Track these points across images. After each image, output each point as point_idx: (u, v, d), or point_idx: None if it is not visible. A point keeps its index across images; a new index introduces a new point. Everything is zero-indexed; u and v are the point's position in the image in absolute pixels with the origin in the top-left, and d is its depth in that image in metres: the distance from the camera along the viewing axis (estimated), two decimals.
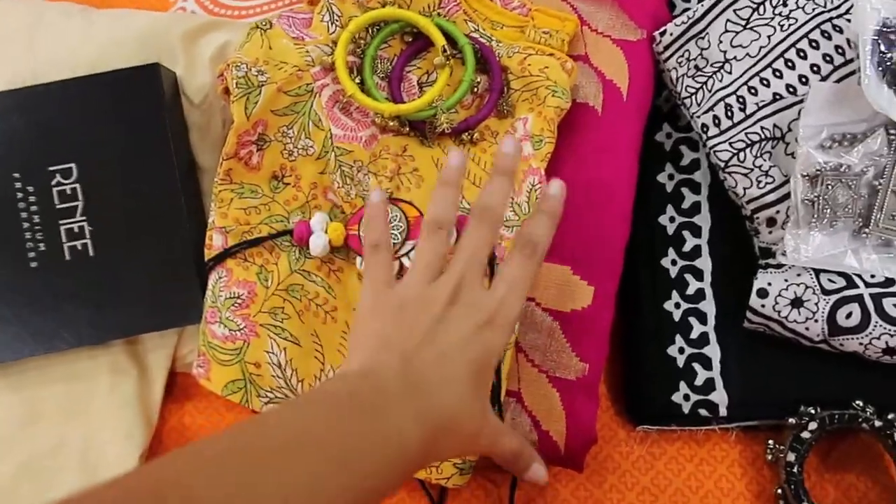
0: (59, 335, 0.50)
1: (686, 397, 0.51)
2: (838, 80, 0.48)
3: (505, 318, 0.37)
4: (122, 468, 0.50)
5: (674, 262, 0.54)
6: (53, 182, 0.50)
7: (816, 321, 0.48)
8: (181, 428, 0.55)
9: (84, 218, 0.51)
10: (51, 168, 0.50)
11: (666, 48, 0.53)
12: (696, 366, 0.51)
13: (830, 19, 0.48)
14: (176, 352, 0.52)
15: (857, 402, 0.49)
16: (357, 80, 0.50)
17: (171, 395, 0.55)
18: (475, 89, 0.51)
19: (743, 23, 0.51)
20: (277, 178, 0.50)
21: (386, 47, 0.52)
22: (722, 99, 0.51)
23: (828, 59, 0.48)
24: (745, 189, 0.50)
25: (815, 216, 0.48)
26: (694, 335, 0.52)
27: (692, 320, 0.52)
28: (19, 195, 0.50)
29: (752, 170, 0.50)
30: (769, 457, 0.50)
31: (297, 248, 0.49)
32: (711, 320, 0.52)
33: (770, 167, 0.50)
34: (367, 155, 0.50)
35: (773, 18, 0.50)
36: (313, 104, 0.50)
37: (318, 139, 0.50)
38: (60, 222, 0.50)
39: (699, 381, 0.51)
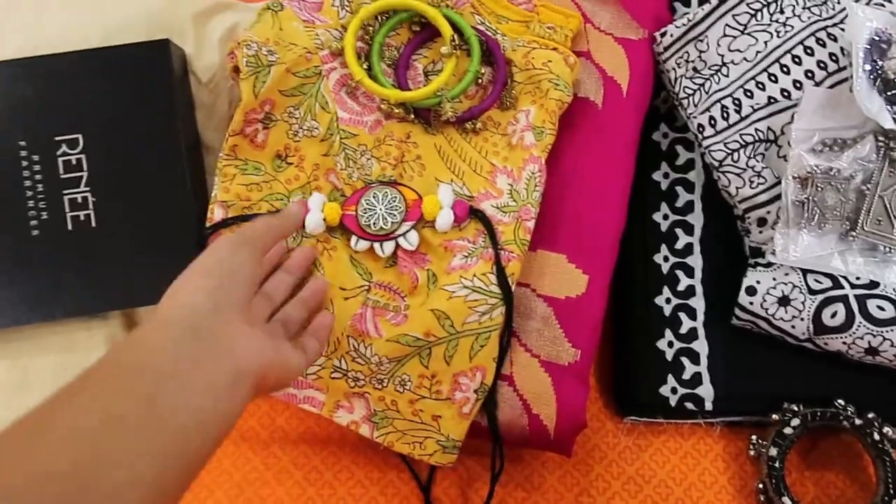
0: (56, 303, 0.50)
1: (673, 390, 0.52)
2: (831, 86, 0.50)
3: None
4: None
5: (666, 259, 0.55)
6: (59, 152, 0.51)
7: (802, 320, 0.49)
8: None
9: (88, 189, 0.51)
10: (57, 138, 0.51)
11: (666, 49, 0.55)
12: (685, 360, 0.52)
13: (825, 27, 0.50)
14: None
15: (839, 400, 0.50)
16: (365, 66, 0.51)
17: None
18: (480, 80, 0.52)
19: (741, 28, 0.53)
20: (281, 157, 0.51)
21: (394, 35, 0.53)
22: (718, 101, 0.52)
23: (822, 65, 0.50)
24: (737, 189, 0.52)
25: (805, 217, 0.50)
26: (683, 330, 0.53)
27: (682, 315, 0.53)
28: (24, 163, 0.51)
29: (745, 170, 0.51)
30: (752, 452, 0.51)
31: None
32: (701, 316, 0.53)
33: (763, 168, 0.51)
34: (372, 139, 0.51)
35: (770, 25, 0.52)
36: (321, 87, 0.51)
37: (323, 121, 0.51)
38: (64, 192, 0.51)
39: (687, 375, 0.52)
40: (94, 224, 0.51)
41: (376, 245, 0.49)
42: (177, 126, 0.51)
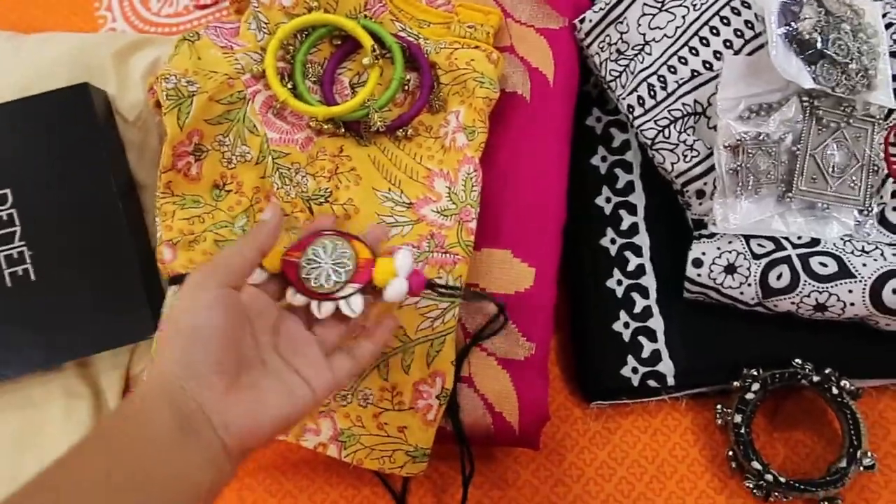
0: (6, 362, 0.50)
1: (634, 370, 0.52)
2: (750, 53, 0.50)
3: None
4: None
5: (613, 241, 0.55)
6: None
7: (750, 285, 0.50)
8: None
9: (23, 243, 0.50)
10: None
11: (587, 34, 0.55)
12: (642, 339, 0.53)
13: None
14: (129, 371, 0.52)
15: (797, 360, 0.51)
16: (289, 86, 0.51)
17: None
18: (406, 87, 0.52)
19: (658, 5, 0.53)
20: (219, 187, 0.51)
21: (316, 51, 0.53)
22: (644, 79, 0.53)
23: (739, 33, 0.51)
24: (672, 164, 0.52)
25: (740, 185, 0.50)
26: (637, 309, 0.53)
27: (634, 295, 0.54)
28: None
29: (677, 145, 0.52)
30: (719, 421, 0.52)
31: None
32: (653, 294, 0.54)
33: (694, 141, 0.52)
34: (304, 157, 0.51)
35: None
36: (247, 111, 0.50)
37: (254, 145, 0.50)
38: None
39: (646, 354, 0.52)
40: (33, 277, 0.50)
41: (313, 304, 0.41)
42: (107, 169, 0.50)
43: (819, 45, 0.48)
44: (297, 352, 0.39)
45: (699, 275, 0.51)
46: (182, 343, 0.34)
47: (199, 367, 0.33)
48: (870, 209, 0.52)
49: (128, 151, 0.53)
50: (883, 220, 0.52)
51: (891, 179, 0.52)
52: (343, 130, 0.51)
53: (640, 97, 0.53)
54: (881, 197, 0.52)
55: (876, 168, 0.52)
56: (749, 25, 0.51)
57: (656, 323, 0.53)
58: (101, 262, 0.50)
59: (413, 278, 0.41)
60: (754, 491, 0.50)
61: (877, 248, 0.50)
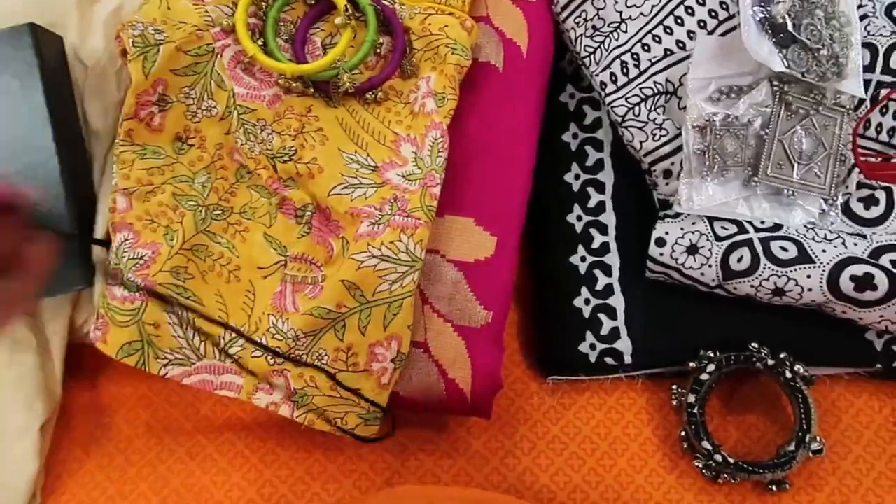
0: None
1: (592, 346, 0.52)
2: (723, 34, 0.50)
3: None
4: (24, 439, 0.49)
5: (579, 218, 0.55)
6: None
7: (711, 266, 0.50)
8: (93, 401, 0.54)
9: None
10: None
11: (563, 8, 0.55)
12: (602, 316, 0.53)
13: None
14: (73, 321, 0.51)
15: (753, 344, 0.51)
16: (260, 42, 0.50)
17: (80, 369, 0.54)
18: (378, 50, 0.52)
19: None
20: (181, 140, 0.50)
21: (289, 10, 0.52)
22: (618, 56, 0.53)
23: (713, 14, 0.51)
24: (641, 143, 0.52)
25: (707, 165, 0.50)
26: (599, 287, 0.53)
27: (597, 273, 0.54)
28: None
29: (646, 123, 0.52)
30: (674, 402, 0.52)
31: (202, 208, 0.49)
32: (616, 272, 0.54)
33: (664, 120, 0.52)
34: (271, 114, 0.50)
35: None
36: (215, 64, 0.50)
37: (221, 100, 0.50)
38: None
39: (604, 331, 0.52)
40: None
41: None
42: (44, 116, 0.48)
43: (790, 28, 0.48)
44: None
45: (661, 254, 0.51)
46: None
47: None
48: (835, 198, 0.52)
49: (86, 98, 0.52)
50: (847, 211, 0.52)
51: (857, 170, 0.52)
52: (312, 90, 0.51)
53: (612, 74, 0.53)
54: (847, 187, 0.52)
55: (843, 158, 0.52)
56: (724, 6, 0.51)
57: (617, 301, 0.53)
58: (36, 211, 0.48)
59: None
60: (703, 471, 0.50)
61: (839, 236, 0.50)
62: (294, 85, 0.50)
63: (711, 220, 0.51)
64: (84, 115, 0.52)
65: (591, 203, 0.55)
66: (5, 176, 0.48)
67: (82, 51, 0.51)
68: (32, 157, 0.48)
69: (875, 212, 0.51)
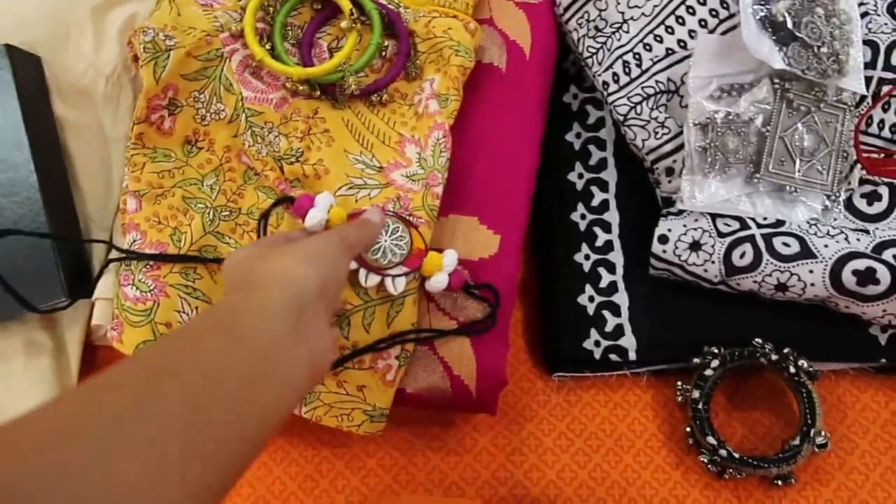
0: None
1: (597, 343, 0.52)
2: (724, 33, 0.51)
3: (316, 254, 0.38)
4: None
5: (583, 217, 0.56)
6: None
7: (714, 262, 0.50)
8: None
9: None
10: None
11: (566, 10, 0.55)
12: (606, 313, 0.53)
13: None
14: (90, 324, 0.52)
15: (757, 339, 0.51)
16: (267, 46, 0.51)
17: (93, 370, 0.55)
18: (384, 53, 0.53)
19: None
20: (191, 143, 0.51)
21: (296, 14, 0.53)
22: (620, 57, 0.53)
23: (714, 13, 0.51)
24: (643, 141, 0.52)
25: (709, 163, 0.51)
26: (603, 284, 0.54)
27: (601, 270, 0.54)
28: None
29: (648, 122, 0.52)
30: (679, 398, 0.52)
31: (211, 209, 0.50)
32: (620, 270, 0.54)
33: (666, 118, 0.52)
34: (278, 117, 0.51)
35: None
36: (223, 69, 0.51)
37: (229, 103, 0.51)
38: None
39: (609, 328, 0.53)
40: None
41: (362, 271, 0.46)
42: (23, 141, 0.49)
43: (790, 26, 0.48)
44: None
45: (664, 251, 0.51)
46: (321, 272, 0.35)
47: (325, 298, 0.35)
48: (837, 195, 0.52)
49: (102, 106, 0.53)
50: (850, 206, 0.52)
51: (859, 166, 0.52)
52: (318, 93, 0.52)
53: (615, 74, 0.53)
54: (849, 183, 0.52)
55: (845, 154, 0.52)
56: (724, 5, 0.51)
57: (621, 298, 0.54)
58: (15, 225, 0.48)
59: (454, 276, 0.47)
60: (709, 466, 0.50)
61: (842, 232, 0.50)
62: (301, 88, 0.51)
63: (714, 216, 0.51)
64: (100, 121, 0.53)
65: (595, 202, 0.56)
66: None
67: (97, 59, 0.52)
68: (11, 174, 0.49)
69: (878, 207, 0.51)
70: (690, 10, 0.52)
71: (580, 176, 0.56)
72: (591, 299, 0.53)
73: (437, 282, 0.47)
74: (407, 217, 0.48)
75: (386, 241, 0.46)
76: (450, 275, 0.47)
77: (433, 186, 0.49)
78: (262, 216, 0.49)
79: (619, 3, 0.54)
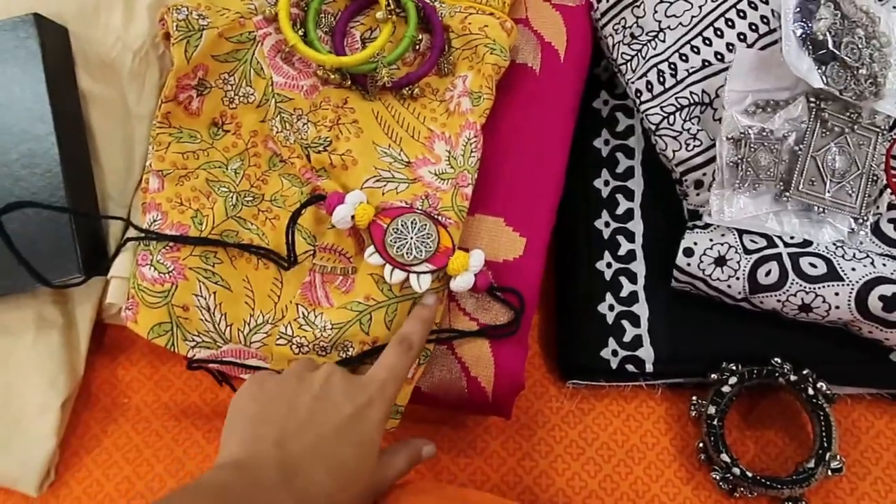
0: None
1: (614, 353, 0.52)
2: (763, 48, 0.50)
3: (383, 398, 0.40)
4: (44, 416, 0.50)
5: (607, 224, 0.55)
6: None
7: (738, 279, 0.50)
8: (113, 380, 0.55)
9: None
10: None
11: (603, 15, 0.55)
12: (625, 323, 0.53)
13: None
14: (102, 302, 0.52)
15: (776, 359, 0.51)
16: (300, 33, 0.51)
17: (102, 348, 0.55)
18: (417, 47, 0.52)
19: None
20: (217, 125, 0.50)
21: (331, 2, 0.53)
22: (655, 65, 0.53)
23: (753, 27, 0.51)
24: (674, 152, 0.52)
25: (739, 178, 0.50)
26: (624, 293, 0.53)
27: (622, 279, 0.54)
28: None
29: (680, 133, 0.52)
30: (693, 413, 0.52)
31: (234, 194, 0.49)
32: (641, 280, 0.54)
33: (698, 131, 0.52)
34: (308, 104, 0.50)
35: None
36: (255, 52, 0.50)
37: (259, 87, 0.50)
38: None
39: (627, 338, 0.52)
40: None
41: (387, 268, 0.45)
42: (46, 111, 0.48)
43: (831, 45, 0.48)
44: None
45: (689, 264, 0.51)
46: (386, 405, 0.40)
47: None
48: (865, 218, 0.52)
49: (128, 82, 0.53)
50: (877, 231, 0.52)
51: (888, 191, 0.52)
52: (349, 83, 0.51)
53: (649, 82, 0.53)
54: (877, 207, 0.52)
55: (875, 178, 0.52)
56: (765, 21, 0.51)
57: (641, 309, 0.53)
58: (32, 212, 0.48)
59: (480, 277, 0.46)
60: (720, 483, 0.50)
61: (868, 256, 0.50)
62: (332, 76, 0.51)
63: (741, 232, 0.51)
64: (124, 97, 0.52)
65: (620, 210, 0.55)
66: (6, 164, 0.48)
67: (126, 34, 0.51)
68: (33, 146, 0.48)
69: None
70: (729, 23, 0.51)
71: (606, 183, 0.56)
72: (611, 308, 0.53)
73: (463, 282, 0.46)
74: (436, 216, 0.47)
75: (411, 237, 0.46)
76: (476, 275, 0.46)
77: (463, 187, 0.48)
78: (290, 219, 0.47)
79: (656, 11, 0.54)
